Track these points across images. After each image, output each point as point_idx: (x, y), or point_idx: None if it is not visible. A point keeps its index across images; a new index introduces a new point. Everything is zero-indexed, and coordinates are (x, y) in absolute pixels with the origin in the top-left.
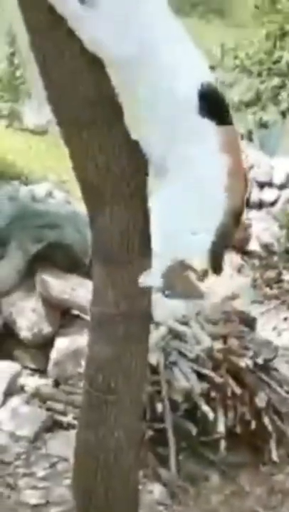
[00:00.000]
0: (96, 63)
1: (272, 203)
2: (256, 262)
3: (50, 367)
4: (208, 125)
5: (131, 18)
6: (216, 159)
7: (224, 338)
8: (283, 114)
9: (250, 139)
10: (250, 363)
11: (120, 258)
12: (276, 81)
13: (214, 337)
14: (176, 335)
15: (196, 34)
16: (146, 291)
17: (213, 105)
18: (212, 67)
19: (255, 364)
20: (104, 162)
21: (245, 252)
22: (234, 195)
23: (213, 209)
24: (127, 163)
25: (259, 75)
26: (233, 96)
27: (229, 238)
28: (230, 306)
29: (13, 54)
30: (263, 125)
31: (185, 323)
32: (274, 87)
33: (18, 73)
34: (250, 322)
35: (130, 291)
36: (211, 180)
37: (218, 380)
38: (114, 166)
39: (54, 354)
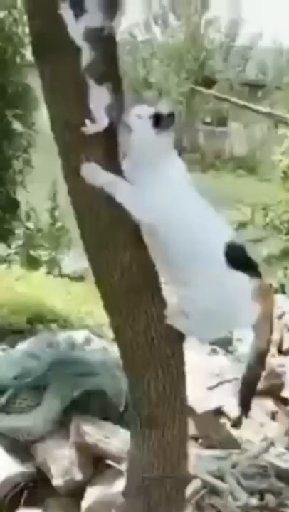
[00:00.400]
0: (137, 237)
1: None
2: None
3: None
4: (241, 277)
5: (156, 188)
6: (249, 306)
7: (261, 494)
8: None
9: (283, 292)
10: None
11: (157, 420)
12: None
13: (250, 492)
14: (212, 489)
15: (227, 188)
16: (184, 454)
17: (241, 261)
18: (244, 224)
19: None
20: (145, 328)
21: (279, 399)
22: (261, 338)
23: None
24: (164, 328)
25: (287, 233)
26: (263, 251)
27: (256, 379)
28: (266, 460)
29: (54, 208)
30: None
31: (220, 477)
32: None
33: (57, 225)
34: (288, 477)
35: (165, 453)
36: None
37: None
38: (154, 331)
39: (85, 503)
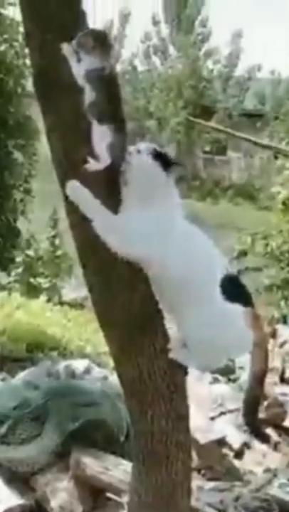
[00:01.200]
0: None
1: None
2: None
3: None
4: (236, 309)
5: (149, 221)
6: (245, 333)
7: None
8: None
9: (285, 322)
10: None
11: (159, 454)
12: None
13: None
14: None
15: (226, 216)
16: (187, 489)
17: (236, 292)
18: (244, 253)
19: None
20: (148, 363)
21: (282, 429)
22: (257, 361)
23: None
24: (167, 363)
25: (288, 263)
26: (263, 279)
27: (257, 398)
28: (270, 494)
29: (54, 236)
30: None
31: (223, 511)
32: None
33: (58, 252)
34: None
35: (168, 489)
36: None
37: None
38: (157, 367)
39: None
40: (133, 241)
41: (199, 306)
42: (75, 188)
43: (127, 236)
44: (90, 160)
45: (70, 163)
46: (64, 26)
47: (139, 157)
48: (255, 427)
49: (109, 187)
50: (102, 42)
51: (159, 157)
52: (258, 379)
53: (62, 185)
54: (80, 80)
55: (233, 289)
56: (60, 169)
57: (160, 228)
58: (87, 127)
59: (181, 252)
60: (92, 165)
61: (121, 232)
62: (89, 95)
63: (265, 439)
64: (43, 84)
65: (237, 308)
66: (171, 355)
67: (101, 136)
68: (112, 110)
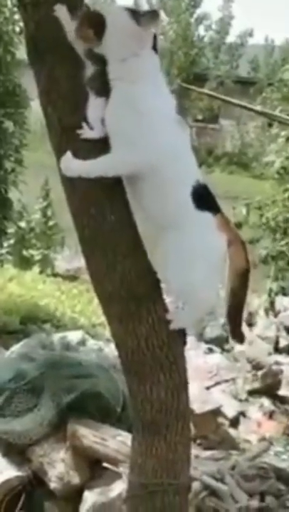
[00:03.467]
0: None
1: None
2: (288, 407)
3: None
4: (207, 216)
5: (139, 139)
6: (217, 235)
7: (261, 496)
8: None
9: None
10: None
11: (158, 425)
12: None
13: (250, 494)
14: (212, 492)
15: (220, 185)
16: (186, 459)
17: (204, 198)
18: (239, 225)
19: None
20: (146, 335)
21: (276, 397)
22: (236, 259)
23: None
24: (166, 334)
25: (284, 233)
26: (260, 251)
27: (241, 300)
28: (266, 462)
29: (46, 207)
30: None
31: (220, 479)
32: None
33: (50, 223)
34: (288, 479)
35: (168, 459)
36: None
37: None
38: (155, 339)
39: (83, 507)
40: (129, 153)
41: (179, 220)
42: (69, 161)
43: (122, 153)
44: (85, 127)
45: (64, 129)
46: None
47: (116, 17)
48: (239, 334)
49: (103, 148)
50: (99, 27)
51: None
52: (241, 276)
53: (57, 152)
54: (81, 55)
55: (203, 197)
56: (54, 136)
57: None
58: (82, 93)
59: (170, 142)
60: (86, 132)
61: (117, 156)
62: (89, 69)
63: (242, 341)
64: (36, 49)
65: (209, 216)
66: (172, 326)
67: (97, 107)
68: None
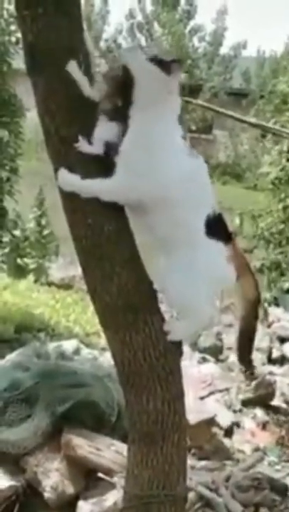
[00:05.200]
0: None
1: None
2: (282, 418)
3: None
4: (217, 245)
5: (148, 168)
6: (225, 265)
7: (256, 507)
8: None
9: (276, 304)
10: None
11: (155, 435)
12: None
13: (245, 505)
14: (207, 503)
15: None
16: (183, 470)
17: (218, 227)
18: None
19: None
20: (143, 346)
21: (270, 408)
22: (246, 288)
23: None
24: (163, 345)
25: (279, 244)
26: (254, 261)
27: (252, 327)
28: (260, 473)
29: (40, 216)
30: (286, 291)
31: (214, 490)
32: None
33: (45, 232)
34: (282, 490)
35: (164, 470)
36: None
37: None
38: (152, 350)
39: None
40: (136, 184)
41: (188, 245)
42: (65, 176)
43: (128, 183)
44: (81, 140)
45: (61, 139)
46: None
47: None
48: (249, 362)
49: (102, 165)
50: (129, 91)
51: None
52: (253, 306)
53: (54, 162)
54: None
55: (216, 226)
56: (51, 146)
57: (162, 151)
58: (80, 104)
59: (182, 176)
60: (83, 146)
61: (121, 184)
62: (101, 91)
63: (251, 368)
64: (34, 60)
65: (220, 245)
66: (169, 337)
67: (106, 131)
68: (123, 110)
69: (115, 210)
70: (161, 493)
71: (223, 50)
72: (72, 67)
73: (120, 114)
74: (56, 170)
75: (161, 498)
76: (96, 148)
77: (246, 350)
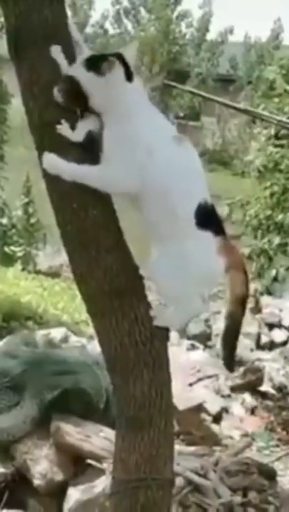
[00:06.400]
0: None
1: (284, 344)
2: (270, 403)
3: None
4: (207, 236)
5: (132, 155)
6: (213, 257)
7: (244, 491)
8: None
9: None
10: None
11: (142, 420)
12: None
13: (233, 489)
14: (195, 487)
15: None
16: (170, 455)
17: (208, 217)
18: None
19: None
20: (129, 331)
21: (258, 393)
22: (235, 284)
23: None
24: (149, 331)
25: (267, 230)
26: (243, 248)
27: (238, 324)
28: (249, 458)
29: (28, 203)
30: (273, 279)
31: (203, 475)
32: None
33: (32, 220)
34: (270, 474)
35: (151, 455)
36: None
37: None
38: (138, 334)
39: (67, 504)
40: (120, 175)
41: (178, 234)
42: (51, 158)
43: (113, 173)
44: (64, 123)
45: (45, 124)
46: None
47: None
48: (231, 361)
49: (84, 153)
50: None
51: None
52: (240, 303)
53: (38, 147)
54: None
55: (207, 216)
56: (35, 131)
57: (147, 151)
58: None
59: (168, 163)
60: (64, 129)
61: (106, 174)
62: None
63: (232, 368)
64: (17, 43)
65: (209, 236)
66: (156, 323)
67: (89, 122)
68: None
69: (100, 195)
70: (148, 477)
71: (210, 35)
72: (56, 52)
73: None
74: (40, 155)
75: (149, 482)
76: (77, 135)
77: (230, 346)
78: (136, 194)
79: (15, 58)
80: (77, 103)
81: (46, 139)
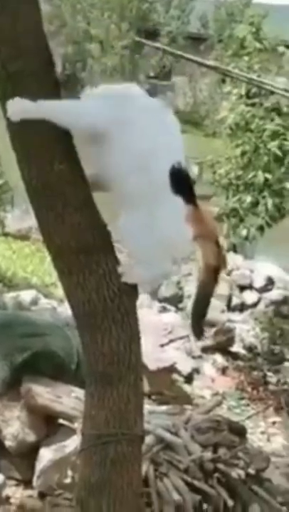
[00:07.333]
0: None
1: (254, 305)
2: (240, 363)
3: (35, 477)
4: (178, 201)
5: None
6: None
7: (214, 448)
8: (261, 227)
9: (235, 250)
10: (241, 473)
11: (111, 376)
12: (252, 197)
13: (204, 446)
14: (166, 445)
15: None
16: (139, 411)
17: (181, 183)
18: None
19: (247, 474)
20: (97, 287)
21: (229, 354)
22: (206, 253)
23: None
24: (117, 287)
25: (237, 190)
26: (213, 208)
27: (208, 293)
28: (220, 415)
29: None
30: (244, 238)
31: (174, 433)
32: (250, 203)
33: None
34: (240, 431)
35: (121, 410)
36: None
37: (210, 491)
38: (106, 290)
39: (39, 464)
40: (103, 112)
41: (146, 194)
42: (17, 102)
43: (95, 108)
44: None
45: (9, 75)
46: None
47: None
48: (198, 328)
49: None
50: None
51: None
52: (211, 272)
53: (2, 100)
54: None
55: (180, 182)
56: None
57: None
58: (28, 38)
59: (142, 107)
60: None
61: (76, 107)
62: None
63: (199, 336)
64: None
65: (179, 202)
66: (124, 279)
67: None
68: None
69: (65, 148)
70: (118, 432)
71: None
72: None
73: None
74: (4, 107)
75: (118, 437)
76: None
77: (200, 314)
78: (103, 133)
79: None
80: None
81: (10, 90)
